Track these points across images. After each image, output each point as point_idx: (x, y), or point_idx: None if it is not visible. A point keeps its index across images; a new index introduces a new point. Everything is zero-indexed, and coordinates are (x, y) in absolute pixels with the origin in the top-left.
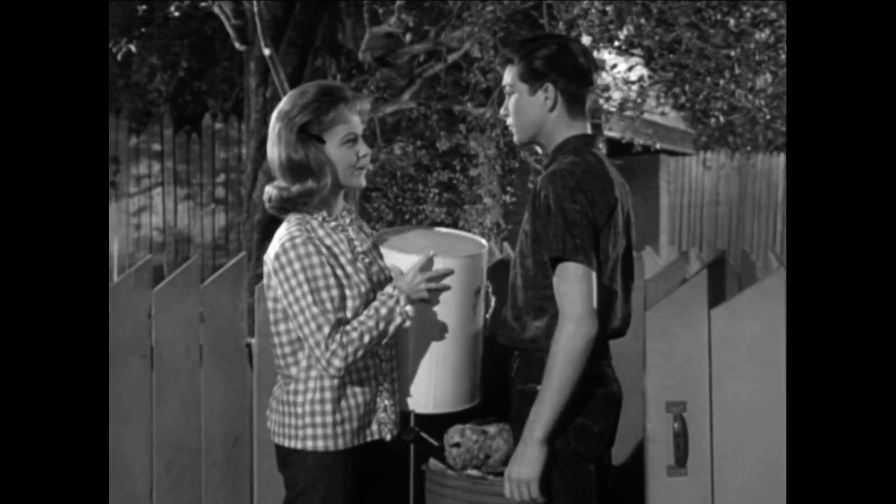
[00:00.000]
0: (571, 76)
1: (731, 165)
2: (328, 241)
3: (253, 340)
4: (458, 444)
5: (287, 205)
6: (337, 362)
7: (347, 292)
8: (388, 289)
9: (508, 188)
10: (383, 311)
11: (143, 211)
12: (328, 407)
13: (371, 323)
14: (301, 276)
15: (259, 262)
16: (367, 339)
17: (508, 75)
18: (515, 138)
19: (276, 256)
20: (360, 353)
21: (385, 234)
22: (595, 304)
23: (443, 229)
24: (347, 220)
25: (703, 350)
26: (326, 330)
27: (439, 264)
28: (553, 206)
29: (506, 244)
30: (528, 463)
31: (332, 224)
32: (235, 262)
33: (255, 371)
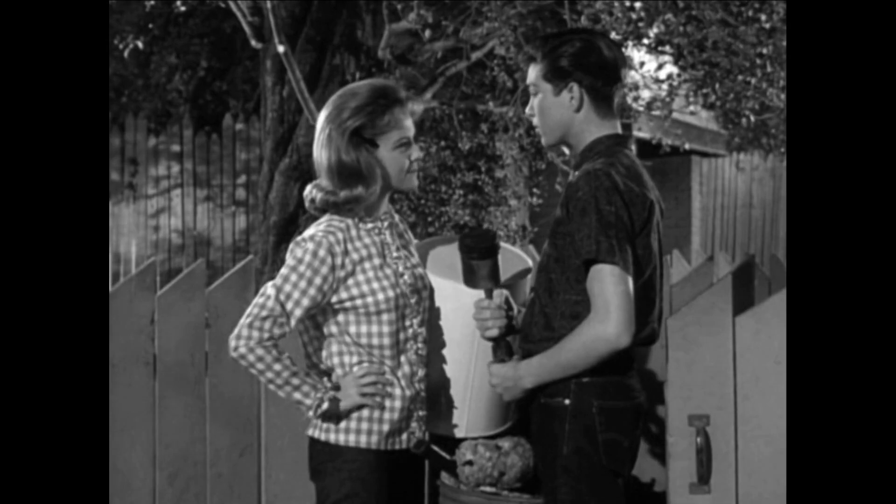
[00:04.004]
0: (597, 74)
1: (764, 167)
2: (358, 244)
3: None
4: (470, 462)
5: (332, 209)
6: (241, 349)
7: (370, 299)
8: (328, 384)
9: (535, 190)
10: (304, 388)
11: (162, 213)
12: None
13: (284, 379)
14: (292, 263)
15: (275, 264)
16: (268, 375)
17: (532, 74)
18: (543, 140)
19: (291, 248)
20: (253, 370)
21: (427, 246)
22: (632, 312)
23: None
24: (385, 224)
25: (728, 360)
26: (263, 314)
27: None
28: (588, 206)
29: (531, 247)
30: (512, 390)
31: (369, 226)
32: (243, 266)
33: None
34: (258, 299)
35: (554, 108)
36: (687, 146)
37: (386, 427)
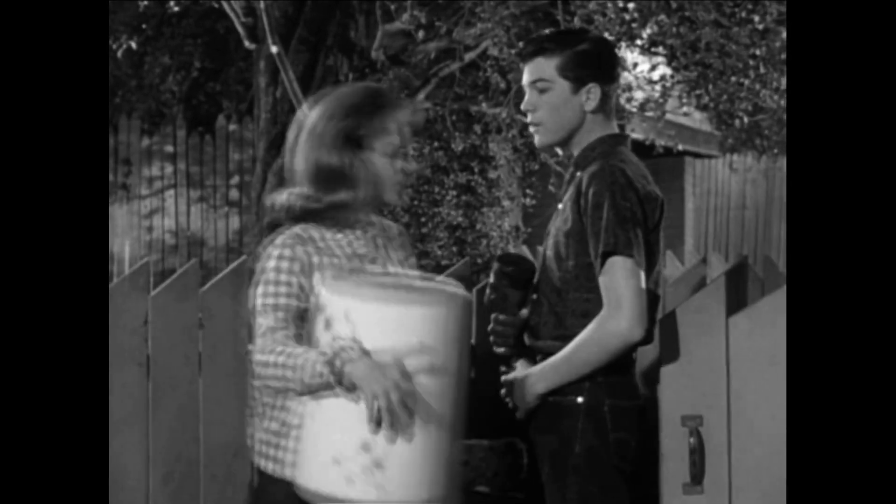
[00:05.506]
0: (612, 75)
1: (757, 168)
2: (347, 249)
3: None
4: (466, 462)
5: (310, 217)
6: (262, 358)
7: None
8: (347, 351)
9: (528, 191)
10: (316, 367)
11: (156, 213)
12: (287, 429)
13: (291, 364)
14: (269, 276)
15: None
16: (269, 372)
17: (545, 68)
18: (543, 139)
19: (260, 256)
20: (277, 380)
21: (338, 281)
22: (644, 306)
23: (408, 280)
24: (357, 233)
25: (721, 360)
26: (263, 328)
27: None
28: (603, 201)
29: (524, 248)
30: (524, 399)
31: (338, 236)
32: (236, 267)
33: (254, 379)
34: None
35: (568, 106)
36: (680, 147)
37: None
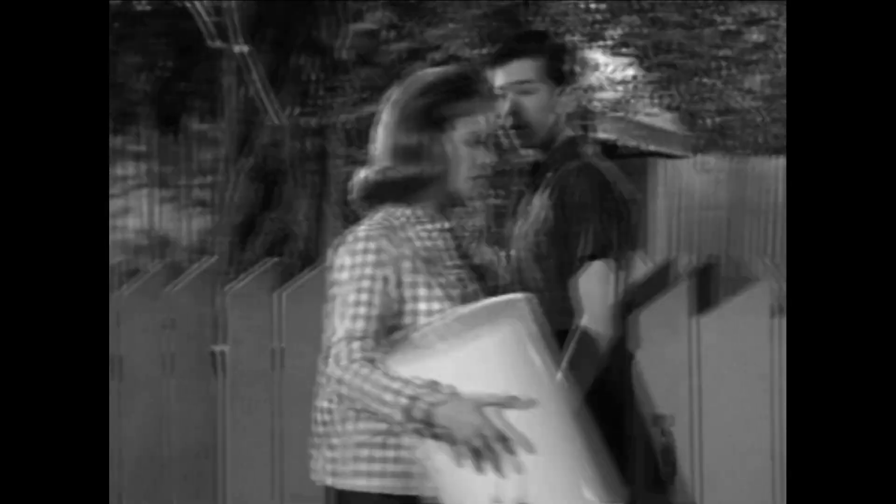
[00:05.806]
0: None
1: (727, 169)
2: (418, 244)
3: (223, 348)
4: None
5: (382, 190)
6: (337, 373)
7: (421, 305)
8: (427, 399)
9: (500, 191)
10: (401, 403)
11: (125, 213)
12: (373, 437)
13: (374, 396)
14: (347, 274)
15: (241, 265)
16: (349, 394)
17: (528, 69)
18: (527, 141)
19: (337, 248)
20: (347, 399)
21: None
22: (619, 305)
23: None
24: (446, 225)
25: (690, 360)
26: (340, 334)
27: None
28: (588, 201)
29: (496, 248)
30: None
31: (428, 226)
32: (205, 267)
33: (225, 379)
34: (329, 320)
35: (551, 108)
36: (648, 148)
37: (409, 467)
